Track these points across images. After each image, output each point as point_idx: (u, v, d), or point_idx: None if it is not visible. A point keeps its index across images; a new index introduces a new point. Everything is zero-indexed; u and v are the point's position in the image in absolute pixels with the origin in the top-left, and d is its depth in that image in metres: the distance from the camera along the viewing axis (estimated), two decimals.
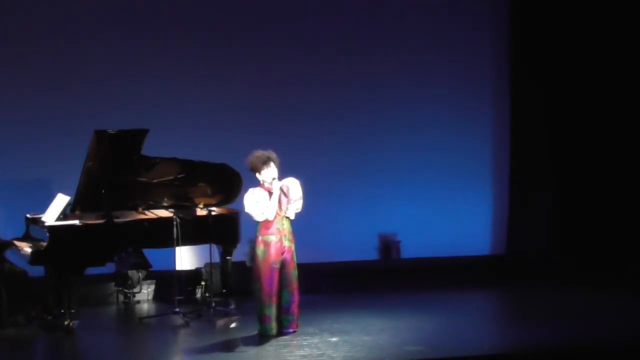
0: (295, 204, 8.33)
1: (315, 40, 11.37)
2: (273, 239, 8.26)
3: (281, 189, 8.28)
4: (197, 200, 9.42)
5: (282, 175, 8.35)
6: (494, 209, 12.03)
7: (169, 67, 10.86)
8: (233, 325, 8.90)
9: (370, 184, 11.53)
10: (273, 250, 8.26)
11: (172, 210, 9.12)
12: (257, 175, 8.32)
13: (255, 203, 8.24)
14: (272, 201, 8.23)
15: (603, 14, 11.41)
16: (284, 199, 8.30)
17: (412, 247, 11.51)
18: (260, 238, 8.31)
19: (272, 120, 11.11)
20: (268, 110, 11.16)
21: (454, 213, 11.67)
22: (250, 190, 8.33)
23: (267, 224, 8.28)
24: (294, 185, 8.35)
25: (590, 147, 11.58)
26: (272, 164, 8.28)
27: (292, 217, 8.36)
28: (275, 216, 8.26)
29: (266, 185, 8.30)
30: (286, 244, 8.31)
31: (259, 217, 8.26)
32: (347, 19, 11.49)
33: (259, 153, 8.30)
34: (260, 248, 8.30)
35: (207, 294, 9.64)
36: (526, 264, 11.30)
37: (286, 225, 8.33)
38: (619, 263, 11.05)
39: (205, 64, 11.01)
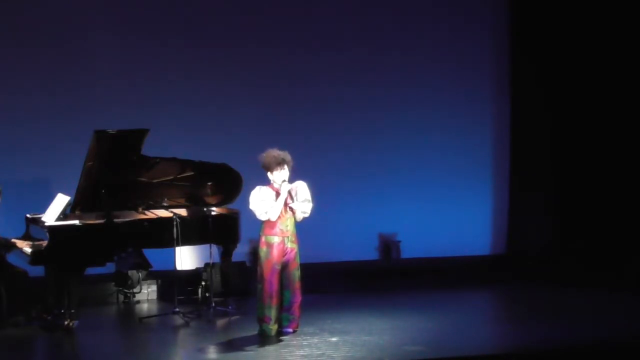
0: (303, 207, 8.28)
1: (315, 40, 11.38)
2: (276, 240, 8.24)
3: (289, 193, 8.27)
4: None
5: (290, 178, 8.31)
6: (494, 209, 12.03)
7: (169, 67, 10.86)
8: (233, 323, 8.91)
9: (370, 184, 11.53)
10: (275, 252, 8.24)
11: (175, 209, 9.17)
12: (269, 174, 8.28)
13: (261, 202, 8.21)
14: (278, 203, 8.21)
15: (603, 14, 11.40)
16: (290, 202, 8.27)
17: (412, 247, 11.51)
18: (263, 238, 8.29)
19: (272, 120, 11.12)
20: (268, 111, 11.17)
21: (454, 213, 11.67)
22: (258, 187, 8.28)
23: (270, 224, 8.25)
24: (302, 189, 8.33)
25: (591, 147, 11.57)
26: (285, 166, 8.23)
27: (299, 219, 8.32)
28: (280, 217, 8.24)
29: (275, 186, 8.28)
30: (289, 245, 8.28)
31: (261, 216, 8.24)
32: (347, 20, 11.49)
33: (275, 153, 8.23)
34: (263, 250, 8.29)
35: (207, 294, 9.64)
36: (526, 264, 11.30)
37: (290, 227, 8.30)
38: (619, 263, 11.04)
39: (206, 63, 11.01)
